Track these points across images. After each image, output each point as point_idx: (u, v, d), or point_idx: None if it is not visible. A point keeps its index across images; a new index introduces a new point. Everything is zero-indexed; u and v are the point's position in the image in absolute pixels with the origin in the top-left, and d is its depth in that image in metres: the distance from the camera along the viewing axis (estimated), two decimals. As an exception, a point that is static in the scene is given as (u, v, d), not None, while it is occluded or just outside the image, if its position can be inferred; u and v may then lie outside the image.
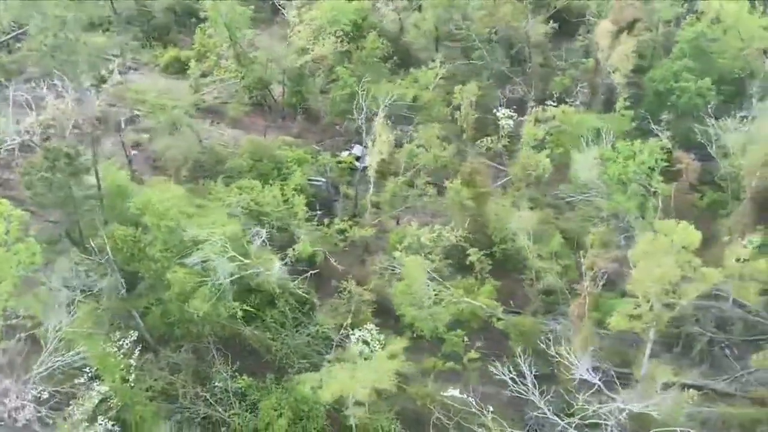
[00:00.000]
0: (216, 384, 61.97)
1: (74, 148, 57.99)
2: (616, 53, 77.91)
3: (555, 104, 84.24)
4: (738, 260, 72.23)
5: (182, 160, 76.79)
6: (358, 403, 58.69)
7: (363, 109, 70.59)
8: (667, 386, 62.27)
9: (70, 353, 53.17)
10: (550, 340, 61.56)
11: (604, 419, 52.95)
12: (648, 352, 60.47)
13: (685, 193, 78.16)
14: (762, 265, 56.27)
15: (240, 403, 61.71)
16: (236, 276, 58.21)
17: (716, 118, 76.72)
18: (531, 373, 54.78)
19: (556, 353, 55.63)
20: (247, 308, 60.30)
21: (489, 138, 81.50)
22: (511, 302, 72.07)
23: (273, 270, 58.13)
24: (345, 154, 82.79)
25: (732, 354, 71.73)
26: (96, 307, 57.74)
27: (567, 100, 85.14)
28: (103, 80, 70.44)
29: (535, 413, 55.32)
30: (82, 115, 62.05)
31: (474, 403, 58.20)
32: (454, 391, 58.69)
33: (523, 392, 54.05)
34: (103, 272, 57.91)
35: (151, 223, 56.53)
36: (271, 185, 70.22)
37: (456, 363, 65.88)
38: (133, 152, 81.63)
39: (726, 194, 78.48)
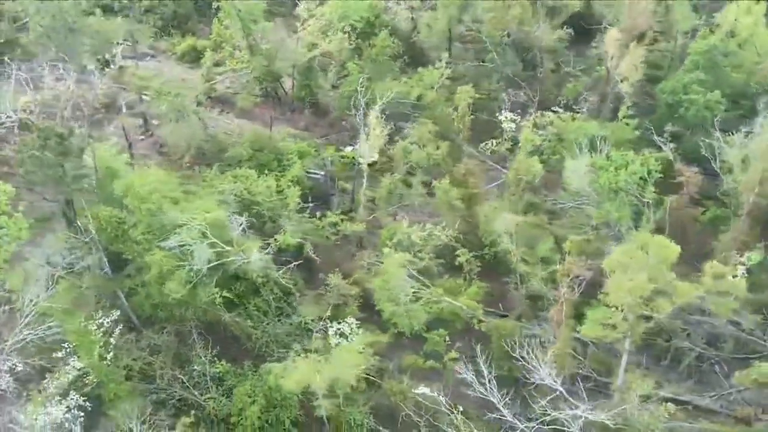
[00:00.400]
0: (195, 367, 63.01)
1: (68, 129, 59.05)
2: (624, 62, 77.24)
3: (561, 110, 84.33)
4: (734, 277, 72.25)
5: (185, 147, 77.97)
6: (332, 395, 59.64)
7: (361, 106, 70.84)
8: (646, 398, 62.12)
9: (43, 327, 54.11)
10: (528, 345, 61.77)
11: (568, 426, 52.69)
12: (624, 362, 60.11)
13: (686, 206, 77.26)
14: (740, 283, 55.37)
15: (217, 387, 62.72)
16: (218, 262, 58.86)
17: (726, 132, 75.86)
18: (491, 374, 54.54)
19: (520, 357, 55.35)
20: (227, 295, 60.91)
21: (494, 141, 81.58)
22: (501, 305, 72.25)
23: (252, 258, 58.59)
24: (349, 149, 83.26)
25: (721, 371, 70.81)
26: (77, 284, 58.81)
27: (574, 107, 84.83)
28: (107, 64, 71.47)
29: (493, 415, 55.09)
30: (81, 97, 62.87)
31: (444, 402, 58.50)
32: (424, 389, 58.99)
33: (482, 393, 53.80)
34: (87, 251, 59.00)
35: (133, 206, 57.60)
36: (266, 175, 70.99)
37: (437, 362, 66.18)
38: (140, 137, 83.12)
39: (729, 210, 77.46)
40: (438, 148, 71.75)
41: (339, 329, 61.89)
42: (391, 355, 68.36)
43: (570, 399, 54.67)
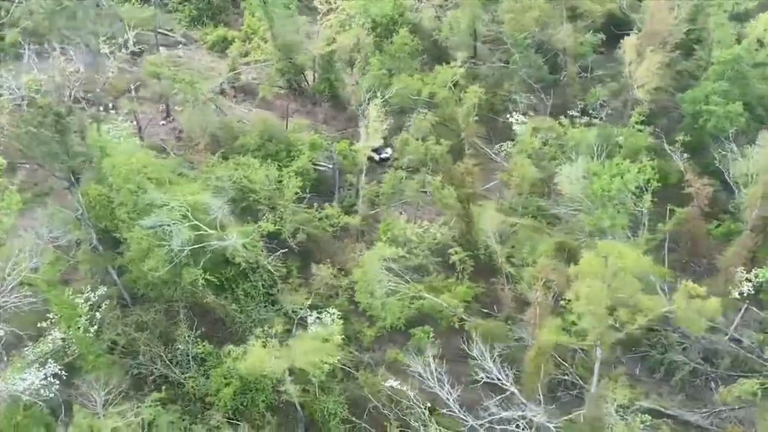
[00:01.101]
0: (179, 347, 64.59)
1: (68, 108, 61.21)
2: (640, 68, 76.00)
3: (578, 116, 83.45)
4: (741, 294, 70.55)
5: (200, 134, 79.82)
6: (307, 383, 60.64)
7: (365, 100, 71.55)
8: (625, 408, 61.24)
9: (23, 295, 56.32)
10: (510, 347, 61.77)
11: (523, 428, 52.42)
12: (597, 370, 59.23)
13: (698, 219, 75.62)
14: (713, 304, 54.21)
15: (198, 367, 64.25)
16: (197, 246, 60.19)
17: (749, 145, 74.03)
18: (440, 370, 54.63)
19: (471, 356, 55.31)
20: (209, 277, 62.18)
21: (510, 142, 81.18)
22: (495, 307, 72.00)
23: (229, 241, 59.86)
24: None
25: (716, 387, 69.09)
26: (64, 257, 60.97)
27: (591, 112, 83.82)
28: (119, 48, 73.69)
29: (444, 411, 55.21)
30: (86, 78, 65.06)
31: (413, 396, 58.80)
32: (393, 383, 59.36)
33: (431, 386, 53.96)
34: (77, 226, 61.15)
35: (116, 185, 59.44)
36: (269, 164, 72.19)
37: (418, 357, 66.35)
38: (162, 122, 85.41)
39: (742, 224, 75.47)
40: (439, 143, 71.67)
41: (318, 318, 62.47)
42: (377, 348, 69.06)
43: (523, 401, 54.23)
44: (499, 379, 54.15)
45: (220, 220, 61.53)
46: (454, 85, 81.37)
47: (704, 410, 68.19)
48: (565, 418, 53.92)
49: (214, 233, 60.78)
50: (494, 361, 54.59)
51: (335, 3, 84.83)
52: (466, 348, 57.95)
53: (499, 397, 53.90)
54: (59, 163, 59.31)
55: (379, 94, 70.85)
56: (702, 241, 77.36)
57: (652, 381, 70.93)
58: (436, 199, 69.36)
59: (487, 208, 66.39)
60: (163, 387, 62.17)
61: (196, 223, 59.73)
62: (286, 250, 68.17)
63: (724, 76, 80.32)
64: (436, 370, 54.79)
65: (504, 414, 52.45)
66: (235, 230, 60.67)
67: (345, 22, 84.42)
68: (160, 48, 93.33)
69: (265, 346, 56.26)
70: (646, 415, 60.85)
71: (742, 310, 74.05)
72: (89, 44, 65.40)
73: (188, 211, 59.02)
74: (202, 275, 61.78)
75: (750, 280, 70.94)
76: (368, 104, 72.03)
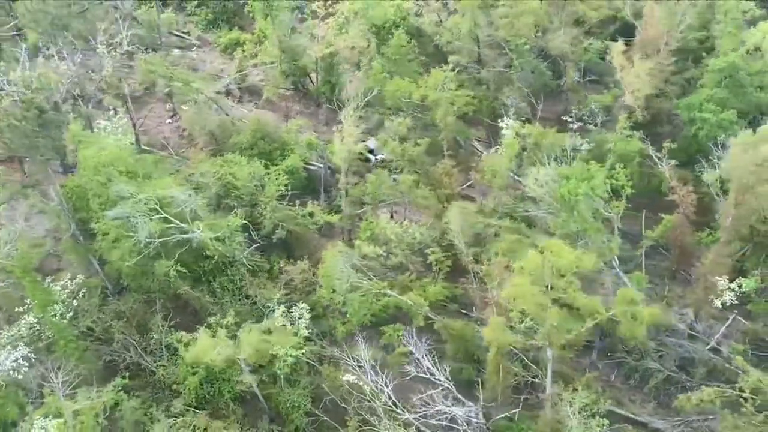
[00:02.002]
0: (153, 336, 66.86)
1: (53, 103, 64.03)
2: (628, 74, 75.73)
3: (572, 121, 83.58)
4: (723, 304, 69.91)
5: (199, 132, 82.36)
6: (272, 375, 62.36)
7: (348, 99, 73.12)
8: (590, 411, 61.33)
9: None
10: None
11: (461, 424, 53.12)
12: (549, 372, 59.38)
13: (684, 226, 74.97)
14: (648, 311, 54.21)
15: (171, 357, 66.39)
16: (169, 238, 62.26)
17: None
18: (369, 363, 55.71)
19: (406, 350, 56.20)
20: (181, 269, 64.17)
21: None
22: (474, 307, 72.47)
23: (194, 234, 61.80)
24: (360, 145, 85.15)
25: (690, 396, 68.31)
26: (41, 246, 63.80)
27: (585, 117, 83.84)
28: (114, 48, 76.51)
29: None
30: (82, 76, 67.82)
31: (369, 391, 59.84)
32: (349, 377, 60.51)
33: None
34: (56, 217, 63.98)
35: (86, 176, 61.97)
36: (256, 162, 74.14)
37: (387, 354, 67.42)
38: (168, 120, 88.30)
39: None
40: (417, 144, 72.69)
41: (285, 312, 63.99)
42: (349, 344, 70.26)
43: (462, 398, 54.91)
44: (431, 374, 54.74)
45: (194, 213, 63.29)
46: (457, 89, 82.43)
47: (676, 419, 67.65)
48: (501, 416, 53.90)
49: (187, 226, 62.71)
50: (432, 356, 55.08)
51: (333, 7, 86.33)
52: (404, 343, 58.46)
53: (432, 392, 54.46)
54: (40, 156, 62.02)
55: (360, 97, 71.87)
56: (691, 250, 76.54)
57: (627, 387, 70.69)
58: (413, 199, 70.30)
59: (455, 207, 66.88)
60: (128, 374, 64.94)
61: (166, 216, 61.73)
62: (264, 244, 69.80)
63: (721, 83, 79.49)
64: (368, 362, 55.60)
65: (437, 408, 53.00)
66: (203, 224, 62.39)
67: (343, 25, 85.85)
68: (175, 50, 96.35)
69: (214, 336, 57.87)
70: (604, 419, 60.68)
71: (730, 320, 73.55)
72: (92, 42, 67.97)
73: (156, 204, 61.02)
74: (174, 267, 63.71)
75: (733, 290, 70.30)
76: (356, 107, 73.28)
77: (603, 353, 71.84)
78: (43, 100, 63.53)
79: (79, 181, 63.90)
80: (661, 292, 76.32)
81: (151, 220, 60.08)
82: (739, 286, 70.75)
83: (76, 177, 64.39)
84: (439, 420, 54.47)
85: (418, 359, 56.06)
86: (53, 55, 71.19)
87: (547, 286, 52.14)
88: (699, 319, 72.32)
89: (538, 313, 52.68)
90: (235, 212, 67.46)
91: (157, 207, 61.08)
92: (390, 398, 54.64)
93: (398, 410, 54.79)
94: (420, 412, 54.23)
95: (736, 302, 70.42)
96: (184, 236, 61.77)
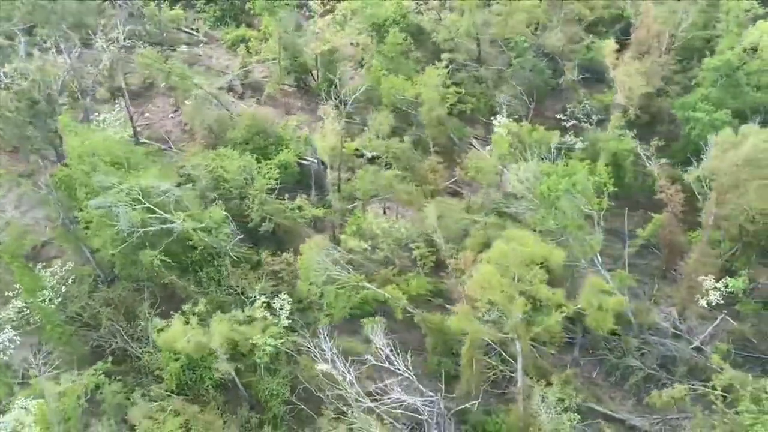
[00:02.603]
0: (140, 323, 68.57)
1: (46, 96, 66.05)
2: (618, 73, 75.90)
3: (565, 119, 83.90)
4: (709, 303, 69.84)
5: (197, 126, 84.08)
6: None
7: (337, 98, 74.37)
8: (561, 406, 61.80)
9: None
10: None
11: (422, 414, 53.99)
12: (520, 365, 59.90)
13: (673, 225, 74.89)
14: (615, 300, 54.56)
15: (155, 343, 67.89)
16: (151, 228, 63.84)
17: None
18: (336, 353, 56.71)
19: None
20: (165, 258, 65.65)
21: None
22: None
23: (175, 225, 63.33)
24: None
25: (669, 394, 68.32)
26: (29, 232, 65.84)
27: (579, 116, 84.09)
28: (112, 43, 78.45)
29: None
30: (73, 69, 69.79)
31: (341, 380, 60.88)
32: (322, 367, 61.52)
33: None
34: (46, 204, 66.02)
35: (71, 165, 63.87)
36: (248, 156, 75.59)
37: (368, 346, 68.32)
38: (171, 115, 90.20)
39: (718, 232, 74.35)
40: (402, 141, 73.60)
41: (265, 302, 65.28)
42: (331, 335, 71.35)
43: (421, 387, 55.71)
44: (391, 363, 55.68)
45: (178, 204, 64.80)
46: (448, 86, 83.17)
47: (655, 416, 67.75)
48: (459, 407, 54.65)
49: (170, 217, 64.26)
50: (396, 347, 56.01)
51: (330, 4, 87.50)
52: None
53: (392, 380, 55.42)
54: (31, 146, 64.06)
55: (350, 92, 73.03)
56: (681, 249, 76.36)
57: (608, 384, 70.86)
58: (395, 194, 71.27)
59: (434, 203, 67.67)
60: (112, 359, 66.43)
61: (150, 206, 63.31)
62: (254, 237, 71.17)
63: (716, 82, 79.22)
64: (332, 352, 56.72)
65: (395, 397, 53.89)
66: (184, 215, 63.88)
67: (341, 22, 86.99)
68: (183, 46, 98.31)
69: (187, 323, 59.32)
70: (576, 415, 61.11)
71: (717, 320, 73.30)
72: (73, 38, 69.91)
73: (139, 194, 62.60)
74: (158, 257, 65.27)
75: (719, 290, 70.17)
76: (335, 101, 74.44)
77: (585, 350, 72.09)
78: (35, 91, 65.50)
79: (68, 171, 65.80)
80: (650, 291, 76.52)
81: (133, 209, 61.55)
82: (726, 286, 70.70)
83: (65, 167, 66.27)
84: (402, 410, 55.35)
85: (379, 348, 56.78)
86: (50, 48, 73.34)
87: (513, 277, 52.69)
88: (684, 318, 72.26)
89: (505, 304, 53.22)
90: (216, 203, 68.75)
91: (140, 197, 62.63)
92: (352, 386, 55.43)
93: (361, 399, 55.67)
94: (379, 401, 55.06)
95: (726, 302, 70.60)
96: (165, 226, 63.19)
